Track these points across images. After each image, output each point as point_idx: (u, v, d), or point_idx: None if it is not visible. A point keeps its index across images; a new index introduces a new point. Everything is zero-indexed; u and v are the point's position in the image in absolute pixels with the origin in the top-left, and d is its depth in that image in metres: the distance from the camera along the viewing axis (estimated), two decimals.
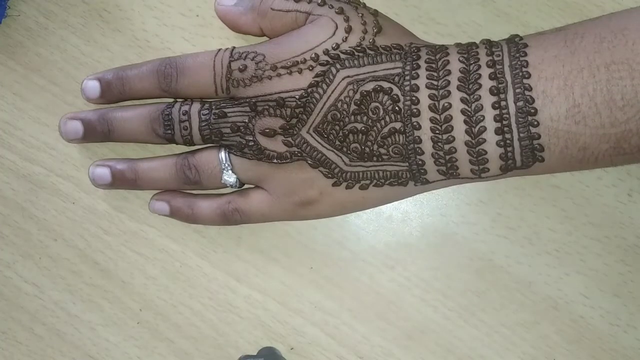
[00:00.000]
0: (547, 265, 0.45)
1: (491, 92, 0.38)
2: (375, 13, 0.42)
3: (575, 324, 0.45)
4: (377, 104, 0.40)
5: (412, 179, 0.41)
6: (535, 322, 0.45)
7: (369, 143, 0.40)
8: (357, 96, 0.40)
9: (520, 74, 0.38)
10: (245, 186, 0.45)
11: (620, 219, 0.44)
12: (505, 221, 0.45)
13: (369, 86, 0.40)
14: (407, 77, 0.39)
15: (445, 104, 0.39)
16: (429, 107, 0.39)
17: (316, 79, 0.40)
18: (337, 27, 0.41)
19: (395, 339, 0.46)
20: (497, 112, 0.38)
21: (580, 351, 0.45)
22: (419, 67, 0.39)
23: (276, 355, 0.44)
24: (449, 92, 0.39)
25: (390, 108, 0.39)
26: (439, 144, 0.39)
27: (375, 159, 0.40)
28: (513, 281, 0.45)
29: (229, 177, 0.43)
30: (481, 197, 0.45)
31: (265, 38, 0.44)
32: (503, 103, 0.38)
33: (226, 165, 0.43)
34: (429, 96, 0.39)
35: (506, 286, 0.45)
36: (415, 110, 0.39)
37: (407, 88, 0.39)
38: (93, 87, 0.45)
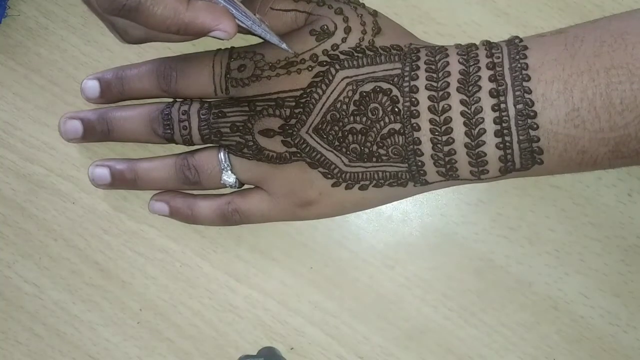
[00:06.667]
0: (547, 265, 0.45)
1: (491, 94, 0.38)
2: (375, 13, 0.41)
3: (575, 324, 0.45)
4: (376, 105, 0.39)
5: (412, 179, 0.41)
6: (535, 322, 0.45)
7: (368, 144, 0.40)
8: (357, 97, 0.40)
9: (520, 76, 0.37)
10: (245, 186, 0.45)
11: (620, 219, 0.44)
12: (505, 221, 0.45)
13: (368, 87, 0.40)
14: (407, 78, 0.39)
15: (445, 106, 0.38)
16: (429, 109, 0.39)
17: (315, 79, 0.40)
18: (336, 28, 0.40)
19: (395, 339, 0.46)
20: (497, 114, 0.38)
21: (580, 351, 0.45)
22: (418, 68, 0.39)
23: (276, 355, 0.44)
24: (449, 94, 0.38)
25: (389, 109, 0.39)
26: (439, 145, 0.39)
27: (374, 159, 0.40)
28: (513, 281, 0.45)
29: (229, 178, 0.43)
30: (481, 197, 0.45)
31: None
32: (503, 105, 0.37)
33: (225, 165, 0.43)
34: (429, 97, 0.39)
35: (506, 286, 0.45)
36: (414, 112, 0.39)
37: (407, 89, 0.39)
38: (93, 87, 0.45)
